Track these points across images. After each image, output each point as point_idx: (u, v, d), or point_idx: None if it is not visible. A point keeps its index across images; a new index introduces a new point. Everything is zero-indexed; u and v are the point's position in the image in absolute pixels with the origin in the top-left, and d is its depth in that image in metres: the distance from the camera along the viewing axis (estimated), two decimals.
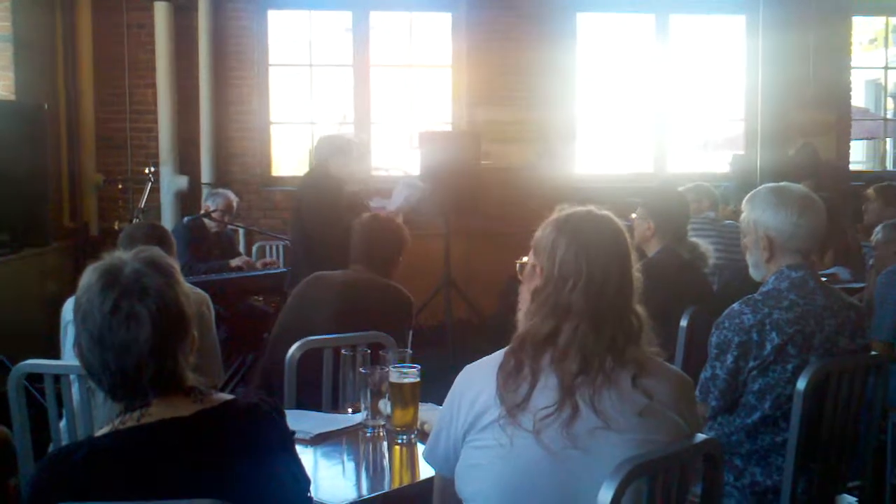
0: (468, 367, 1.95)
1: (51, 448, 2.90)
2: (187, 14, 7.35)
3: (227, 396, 1.70)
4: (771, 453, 2.65)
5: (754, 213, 2.77)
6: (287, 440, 1.73)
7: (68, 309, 3.19)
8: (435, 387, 2.58)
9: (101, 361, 1.57)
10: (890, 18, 9.48)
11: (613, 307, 1.84)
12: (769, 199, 2.74)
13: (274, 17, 7.91)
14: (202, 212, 6.19)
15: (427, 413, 2.52)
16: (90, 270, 1.61)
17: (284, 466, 1.71)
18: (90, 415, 2.72)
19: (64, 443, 2.83)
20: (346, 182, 5.08)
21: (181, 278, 1.67)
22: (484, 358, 1.93)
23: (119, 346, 1.56)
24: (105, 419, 2.49)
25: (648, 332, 1.90)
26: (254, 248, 7.18)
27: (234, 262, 5.91)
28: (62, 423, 2.85)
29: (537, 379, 1.80)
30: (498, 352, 1.90)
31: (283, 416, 1.75)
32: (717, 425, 2.74)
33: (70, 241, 7.01)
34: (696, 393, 2.68)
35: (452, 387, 1.94)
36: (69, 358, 3.02)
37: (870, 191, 4.88)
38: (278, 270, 5.92)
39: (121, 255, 1.62)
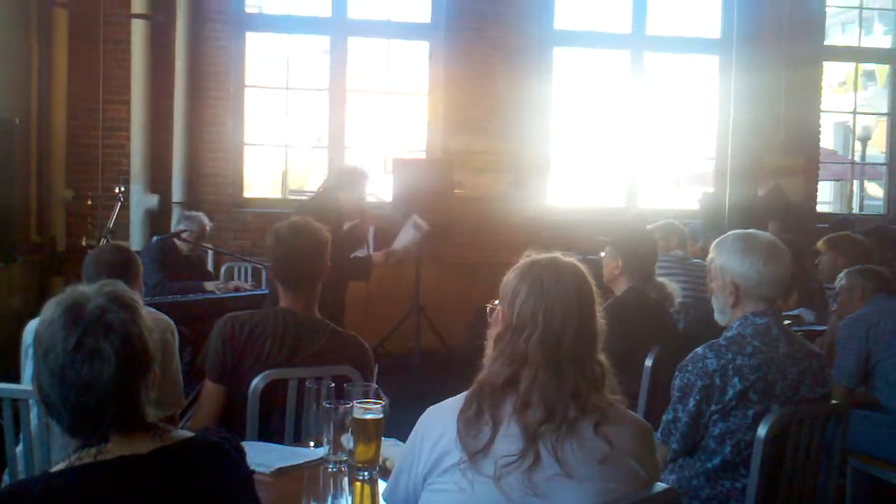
0: (431, 408, 1.95)
1: (6, 474, 2.86)
2: (165, 32, 7.33)
3: (186, 434, 1.67)
4: (730, 499, 2.66)
5: (721, 259, 2.81)
6: (246, 480, 1.72)
7: (29, 331, 3.14)
8: (400, 416, 2.57)
9: (61, 398, 1.55)
10: (860, 64, 9.69)
11: (572, 357, 1.85)
12: (736, 246, 2.78)
13: (252, 38, 7.93)
14: (173, 232, 6.15)
15: (390, 449, 2.50)
16: (53, 304, 1.58)
17: None
18: (48, 443, 2.67)
19: (20, 468, 2.79)
20: (348, 213, 5.09)
21: (145, 312, 1.66)
22: (447, 400, 1.93)
23: (81, 384, 1.53)
24: (63, 446, 2.45)
25: (612, 379, 1.91)
26: (222, 270, 7.14)
27: (209, 286, 5.86)
28: (19, 449, 2.80)
29: (499, 426, 1.80)
30: (461, 394, 1.90)
31: (243, 455, 1.73)
32: (677, 468, 2.75)
33: (36, 255, 6.93)
34: (658, 435, 2.69)
35: (415, 428, 1.94)
36: (29, 381, 2.98)
37: (819, 244, 4.93)
38: (251, 293, 5.88)
39: (84, 290, 1.60)
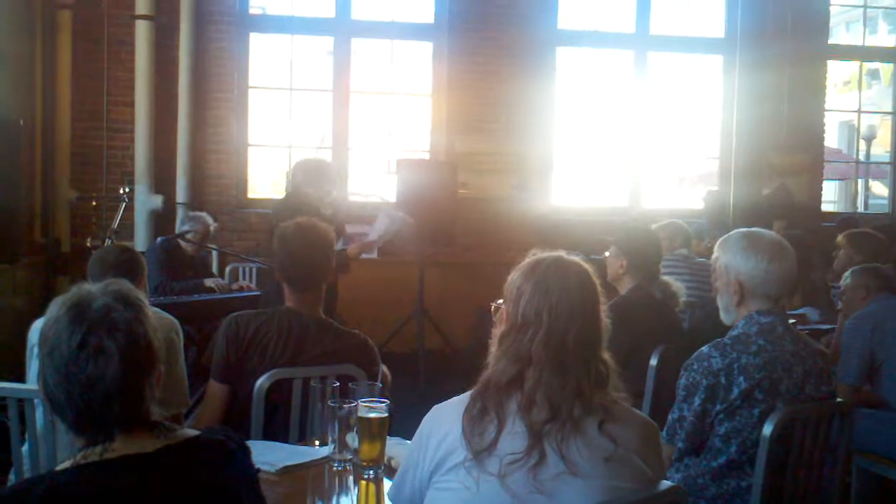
0: (436, 406, 1.95)
1: (11, 473, 2.86)
2: (169, 33, 7.35)
3: (191, 432, 1.67)
4: (736, 498, 2.65)
5: (726, 258, 2.80)
6: (251, 478, 1.71)
7: (35, 331, 3.14)
8: (405, 415, 2.57)
9: (66, 396, 1.54)
10: (864, 63, 9.67)
11: (576, 356, 1.84)
12: (741, 244, 2.77)
13: (255, 39, 7.94)
14: (178, 233, 6.16)
15: (394, 448, 2.51)
16: (58, 303, 1.59)
17: None
18: (53, 442, 2.68)
19: (26, 468, 2.79)
20: (321, 206, 5.04)
21: (150, 311, 1.66)
22: (452, 398, 1.93)
23: (86, 381, 1.53)
24: (68, 445, 2.46)
25: (616, 377, 1.91)
26: (227, 270, 7.15)
27: (208, 283, 5.87)
28: (24, 448, 2.81)
29: (504, 424, 1.80)
30: (466, 393, 1.90)
31: (248, 454, 1.73)
32: (683, 467, 2.75)
33: (40, 256, 6.95)
34: (664, 434, 2.69)
35: (420, 426, 1.94)
36: (34, 381, 2.98)
37: (839, 238, 4.94)
38: (252, 293, 5.88)
39: (89, 289, 1.60)
